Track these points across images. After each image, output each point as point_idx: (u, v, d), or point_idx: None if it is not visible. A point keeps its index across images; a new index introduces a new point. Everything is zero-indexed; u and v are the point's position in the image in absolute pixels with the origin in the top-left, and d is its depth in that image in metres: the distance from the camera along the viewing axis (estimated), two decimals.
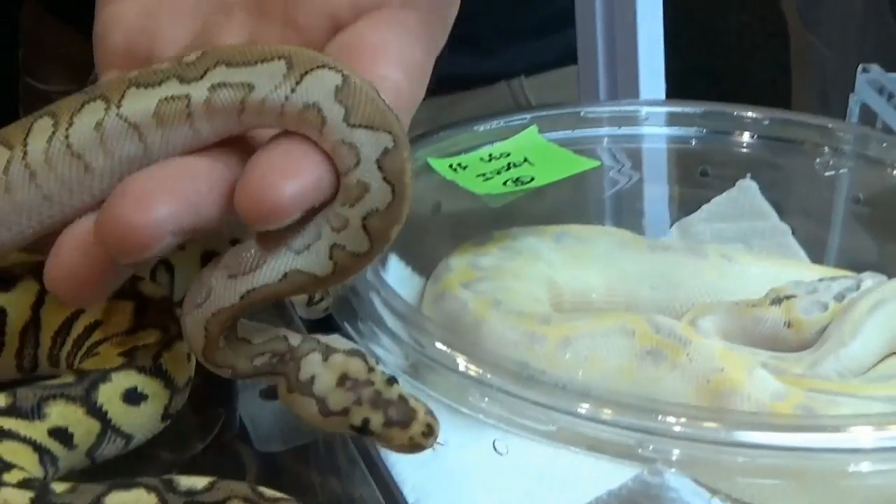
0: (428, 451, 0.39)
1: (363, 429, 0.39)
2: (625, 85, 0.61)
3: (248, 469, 0.50)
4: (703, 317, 0.54)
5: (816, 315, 0.53)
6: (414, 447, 0.39)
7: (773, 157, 0.58)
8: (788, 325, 0.53)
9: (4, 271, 0.47)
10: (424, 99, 0.90)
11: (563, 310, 0.54)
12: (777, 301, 0.53)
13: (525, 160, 0.54)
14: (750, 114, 0.59)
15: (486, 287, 0.52)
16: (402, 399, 0.39)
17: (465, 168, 0.54)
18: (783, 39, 2.00)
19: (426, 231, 0.56)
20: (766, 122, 0.59)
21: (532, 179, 0.53)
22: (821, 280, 0.55)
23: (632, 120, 0.60)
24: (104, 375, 0.42)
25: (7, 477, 0.37)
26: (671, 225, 0.60)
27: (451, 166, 0.54)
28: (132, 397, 0.42)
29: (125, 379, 0.42)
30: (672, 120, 0.59)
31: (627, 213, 0.60)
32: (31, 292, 0.47)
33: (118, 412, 0.42)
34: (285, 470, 0.50)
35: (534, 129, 0.57)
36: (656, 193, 0.60)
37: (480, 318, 0.50)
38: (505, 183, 0.53)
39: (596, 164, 0.56)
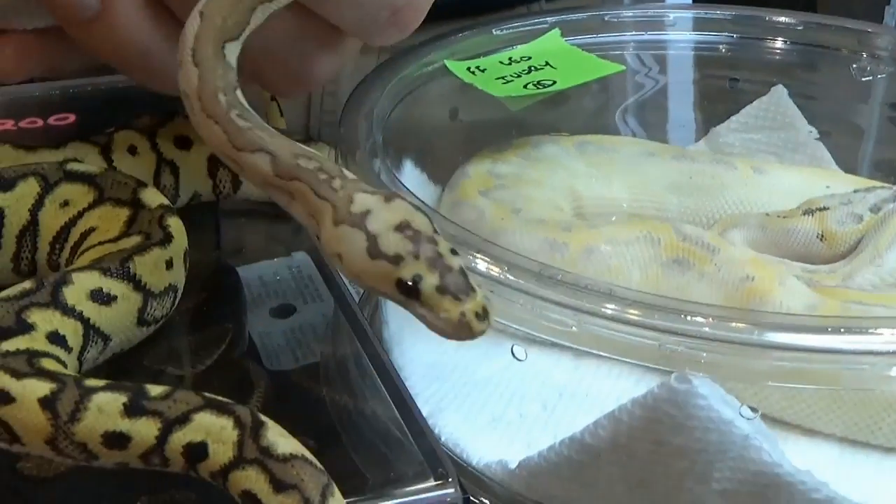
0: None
1: (411, 288, 0.33)
2: None
3: (256, 386, 0.48)
4: (732, 229, 0.51)
5: (851, 227, 0.51)
6: (461, 328, 0.33)
7: (806, 63, 0.56)
8: (821, 237, 0.51)
9: (4, 172, 0.45)
10: (444, 23, 0.87)
11: (586, 219, 0.52)
12: (809, 212, 0.51)
13: (547, 63, 0.52)
14: (782, 19, 0.56)
15: (504, 195, 0.50)
16: (463, 273, 0.34)
17: (483, 71, 0.51)
18: None
19: (442, 137, 0.54)
20: (800, 28, 0.56)
21: (554, 83, 0.51)
22: (855, 191, 0.52)
23: (658, 25, 0.57)
24: (64, 277, 0.39)
25: (89, 382, 0.35)
26: (698, 135, 0.58)
27: (469, 69, 0.52)
28: (100, 297, 0.40)
29: (87, 279, 0.40)
30: (700, 25, 0.57)
31: (652, 121, 0.58)
32: (31, 195, 0.45)
33: (92, 310, 0.39)
34: (295, 387, 0.48)
35: (556, 32, 0.54)
36: (683, 101, 0.58)
37: (499, 226, 0.48)
38: (526, 86, 0.50)
39: (620, 68, 0.53)
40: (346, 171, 0.35)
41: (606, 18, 0.56)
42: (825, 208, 0.51)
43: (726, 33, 0.56)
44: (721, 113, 0.57)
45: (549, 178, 0.52)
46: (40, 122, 0.54)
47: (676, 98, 0.57)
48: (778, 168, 0.55)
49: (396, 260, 0.33)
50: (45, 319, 0.38)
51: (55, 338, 0.39)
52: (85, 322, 0.39)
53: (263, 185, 0.36)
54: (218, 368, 0.47)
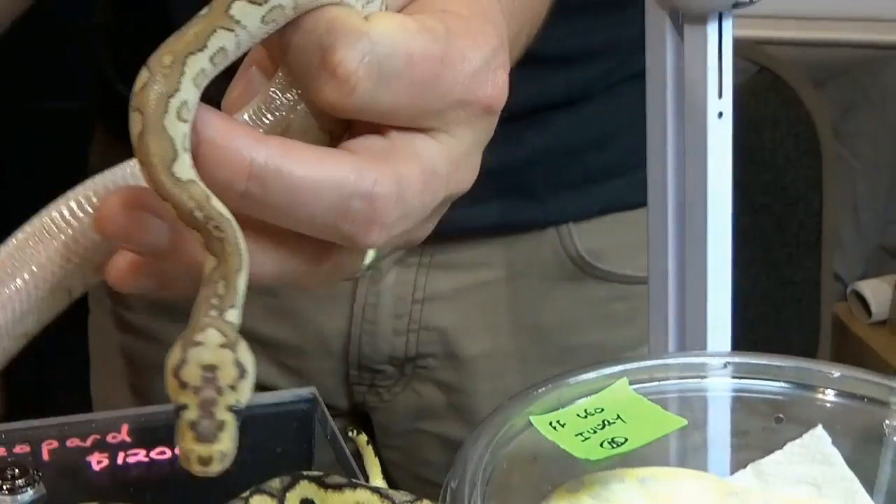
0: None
1: (176, 412, 0.41)
2: (693, 337, 0.64)
3: None
4: None
5: None
6: (184, 461, 0.40)
7: (844, 411, 0.63)
8: None
9: None
10: (484, 239, 0.96)
11: None
12: None
13: (618, 417, 0.59)
14: (824, 369, 0.63)
15: None
16: (221, 428, 0.40)
17: (563, 426, 0.58)
18: (817, 156, 2.05)
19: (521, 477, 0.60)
20: (838, 376, 0.63)
21: (626, 441, 0.57)
22: None
23: (704, 369, 0.64)
24: None
25: None
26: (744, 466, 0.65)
27: (551, 424, 0.58)
28: None
29: None
30: (748, 371, 0.64)
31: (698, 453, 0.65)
32: None
33: None
34: None
35: (625, 381, 0.61)
36: (726, 434, 0.65)
37: None
38: (602, 444, 0.57)
39: (683, 422, 0.60)
40: (230, 312, 0.42)
41: (662, 365, 0.63)
42: None
43: (772, 380, 0.64)
44: (765, 446, 0.64)
45: None
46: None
47: (721, 431, 0.64)
48: (819, 500, 0.62)
49: (183, 385, 0.41)
50: None
51: None
52: None
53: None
54: None
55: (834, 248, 2.04)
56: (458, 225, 0.91)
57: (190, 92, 0.42)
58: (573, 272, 0.96)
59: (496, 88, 0.46)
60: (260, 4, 0.43)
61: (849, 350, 2.23)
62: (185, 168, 0.42)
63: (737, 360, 0.63)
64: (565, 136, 0.93)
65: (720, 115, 0.56)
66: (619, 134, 0.95)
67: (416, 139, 0.45)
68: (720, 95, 0.56)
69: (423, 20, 0.45)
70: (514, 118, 0.88)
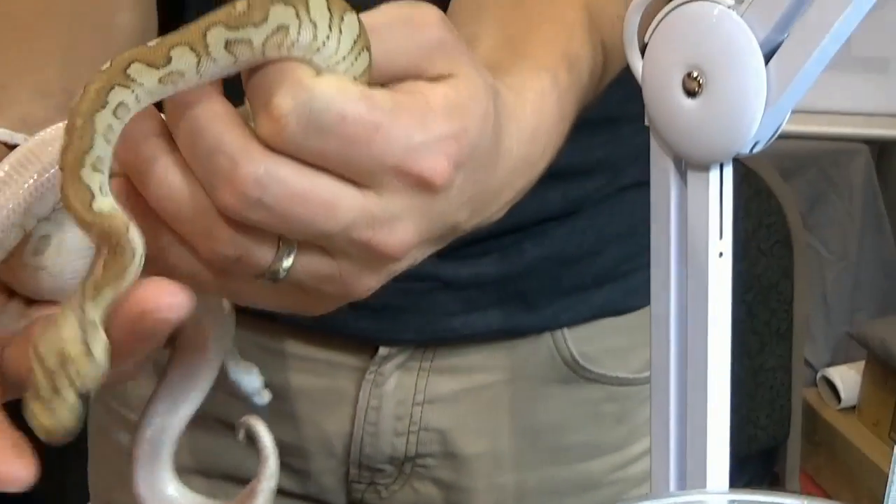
0: None
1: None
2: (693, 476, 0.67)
3: None
4: None
5: None
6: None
7: None
8: None
9: None
10: (483, 344, 0.99)
11: None
12: None
13: None
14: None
15: None
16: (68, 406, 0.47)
17: None
18: (788, 246, 2.11)
19: None
20: None
21: None
22: None
23: None
24: None
25: None
26: None
27: None
28: None
29: None
30: None
31: None
32: None
33: None
34: None
35: None
36: None
37: None
38: None
39: None
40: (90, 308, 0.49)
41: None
42: None
43: None
44: None
45: None
46: None
47: None
48: None
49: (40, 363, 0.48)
50: None
51: None
52: None
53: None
54: None
55: (805, 335, 2.10)
56: (458, 331, 0.96)
57: (101, 147, 0.48)
58: (567, 375, 1.00)
59: (436, 168, 0.51)
60: (157, 68, 0.48)
61: (819, 435, 2.28)
62: (104, 206, 0.49)
63: (737, 497, 0.67)
64: (561, 246, 0.97)
65: (721, 254, 0.61)
66: (612, 243, 0.99)
67: (343, 187, 0.50)
68: (721, 236, 0.61)
69: (373, 91, 0.50)
70: (514, 230, 0.94)
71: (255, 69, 0.49)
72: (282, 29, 0.48)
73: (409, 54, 0.52)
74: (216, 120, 0.49)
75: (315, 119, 0.48)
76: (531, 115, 0.61)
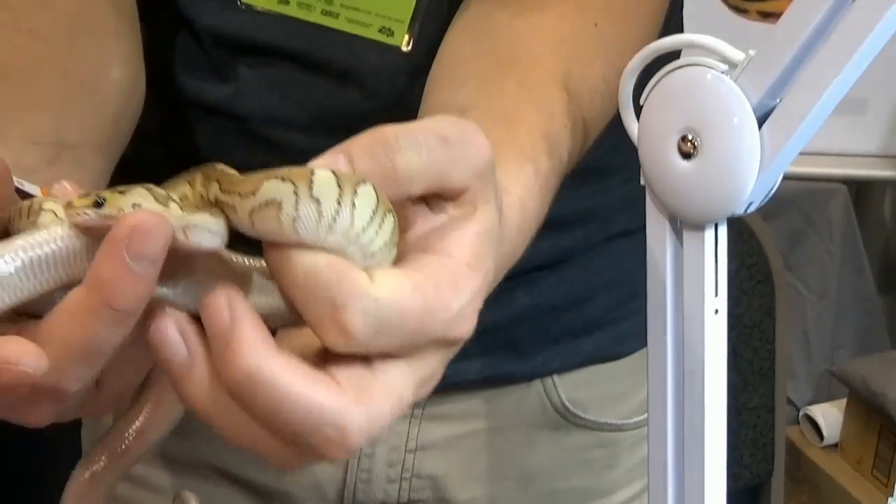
0: None
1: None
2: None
3: None
4: None
5: None
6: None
7: None
8: None
9: None
10: (474, 391, 1.00)
11: None
12: None
13: None
14: None
15: None
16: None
17: None
18: (769, 285, 2.13)
19: None
20: None
21: None
22: None
23: None
24: None
25: None
26: None
27: None
28: None
29: None
30: None
31: None
32: None
33: None
34: None
35: None
36: None
37: None
38: None
39: None
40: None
41: None
42: None
43: None
44: None
45: None
46: None
47: None
48: None
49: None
50: None
51: None
52: None
53: None
54: None
55: (787, 374, 2.11)
56: (450, 379, 0.96)
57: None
58: (557, 421, 1.01)
59: (467, 327, 0.53)
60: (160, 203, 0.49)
61: (802, 473, 2.29)
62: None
63: None
64: (550, 295, 0.98)
65: (716, 311, 0.62)
66: (601, 291, 1.01)
67: (394, 368, 0.51)
68: (716, 294, 0.62)
69: (416, 279, 0.51)
70: (505, 279, 0.94)
71: (293, 275, 0.49)
72: (271, 204, 0.48)
73: (463, 174, 0.53)
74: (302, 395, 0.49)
75: (383, 327, 0.49)
76: (516, 216, 0.63)
